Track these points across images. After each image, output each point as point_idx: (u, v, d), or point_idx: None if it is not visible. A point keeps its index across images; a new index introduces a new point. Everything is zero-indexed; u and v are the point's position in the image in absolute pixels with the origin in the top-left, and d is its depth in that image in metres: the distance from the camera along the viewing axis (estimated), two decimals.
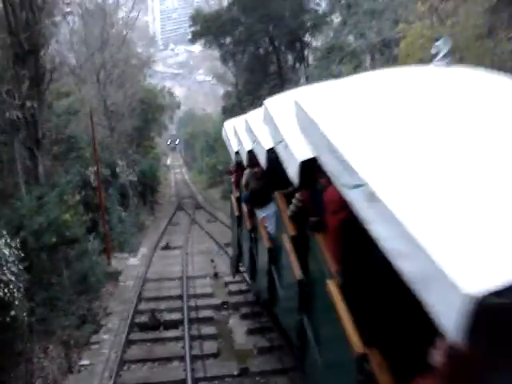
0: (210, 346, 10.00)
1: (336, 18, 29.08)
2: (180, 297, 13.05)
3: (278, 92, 23.30)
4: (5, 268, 9.64)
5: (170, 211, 32.37)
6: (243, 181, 9.43)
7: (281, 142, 5.72)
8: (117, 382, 8.62)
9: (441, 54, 5.14)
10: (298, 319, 5.65)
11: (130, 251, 19.98)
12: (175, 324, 11.29)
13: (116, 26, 29.67)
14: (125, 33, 30.39)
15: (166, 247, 20.88)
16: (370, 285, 3.64)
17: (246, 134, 8.57)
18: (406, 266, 2.57)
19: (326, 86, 4.93)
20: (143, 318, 11.71)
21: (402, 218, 2.62)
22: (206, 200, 38.38)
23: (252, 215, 8.97)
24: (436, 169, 2.91)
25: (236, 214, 11.08)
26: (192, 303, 12.51)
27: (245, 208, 9.64)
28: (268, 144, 6.59)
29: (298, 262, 5.63)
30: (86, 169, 20.64)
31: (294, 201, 5.90)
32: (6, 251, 9.77)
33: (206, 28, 31.96)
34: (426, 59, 14.83)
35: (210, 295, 13.41)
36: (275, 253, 6.93)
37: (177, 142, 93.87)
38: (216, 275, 15.30)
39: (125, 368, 9.35)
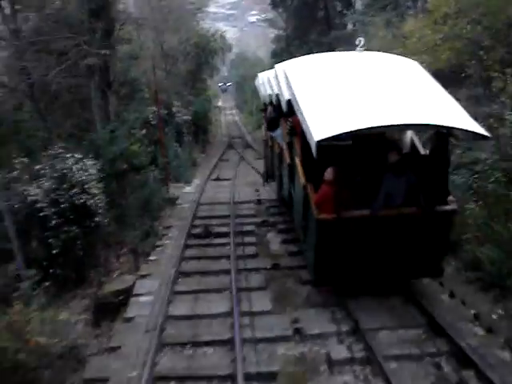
0: (250, 250, 12.76)
1: None
2: (228, 216, 15.78)
3: (325, 37, 25.28)
4: (93, 183, 12.55)
5: (221, 149, 35.05)
6: (267, 113, 15.76)
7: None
8: (178, 270, 11.50)
9: (359, 46, 8.57)
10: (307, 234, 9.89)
11: (184, 182, 22.79)
12: (223, 234, 14.07)
13: None
14: None
15: (217, 179, 23.66)
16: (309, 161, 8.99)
17: (270, 84, 13.65)
18: (305, 131, 8.05)
19: (301, 60, 10.88)
20: (198, 230, 14.58)
21: (305, 111, 8.51)
22: (254, 140, 40.61)
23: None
24: (339, 87, 9.03)
25: (264, 139, 17.73)
26: (238, 221, 15.25)
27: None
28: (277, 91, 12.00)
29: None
30: (146, 108, 23.33)
31: (288, 122, 11.42)
32: (94, 171, 12.66)
33: None
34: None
35: (253, 215, 16.05)
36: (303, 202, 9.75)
37: (228, 84, 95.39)
38: (259, 201, 17.90)
39: (184, 262, 12.23)
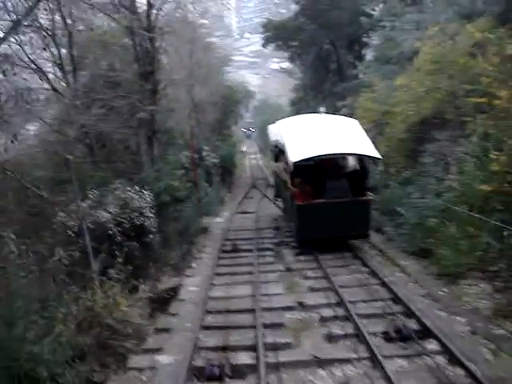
0: (268, 259, 16.82)
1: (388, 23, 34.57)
2: (251, 238, 19.84)
3: (337, 87, 30.05)
4: (148, 209, 16.69)
5: (245, 189, 39.23)
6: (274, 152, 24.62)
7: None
8: (214, 272, 15.50)
9: (321, 110, 13.38)
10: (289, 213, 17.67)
11: (214, 215, 26.91)
12: (248, 250, 18.11)
13: (200, 34, 36.49)
14: (208, 40, 37.33)
15: (242, 212, 27.83)
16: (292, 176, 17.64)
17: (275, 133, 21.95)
18: (288, 156, 15.38)
19: (289, 119, 21.43)
20: (227, 248, 18.65)
21: (287, 148, 17.01)
22: None
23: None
24: (296, 134, 17.27)
25: (274, 169, 26.22)
26: (259, 241, 19.29)
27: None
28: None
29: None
30: (180, 153, 27.64)
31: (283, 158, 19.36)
32: (149, 199, 16.85)
33: (276, 34, 38.86)
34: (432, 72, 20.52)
35: (272, 237, 20.12)
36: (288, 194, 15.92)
37: (252, 130, 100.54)
38: (277, 228, 21.92)
39: (218, 268, 16.23)
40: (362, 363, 9.33)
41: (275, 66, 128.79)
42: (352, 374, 9.03)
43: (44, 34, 18.77)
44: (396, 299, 12.16)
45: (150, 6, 20.74)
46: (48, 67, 21.13)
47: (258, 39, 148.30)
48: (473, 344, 9.72)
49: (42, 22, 18.54)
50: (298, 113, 41.89)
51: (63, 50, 20.46)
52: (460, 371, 8.71)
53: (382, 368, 8.81)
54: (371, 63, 35.29)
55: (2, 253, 10.06)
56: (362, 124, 24.47)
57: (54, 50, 20.13)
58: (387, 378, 8.49)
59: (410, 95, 21.12)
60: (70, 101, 19.91)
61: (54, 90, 19.51)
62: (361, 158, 17.81)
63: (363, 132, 18.37)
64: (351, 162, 18.38)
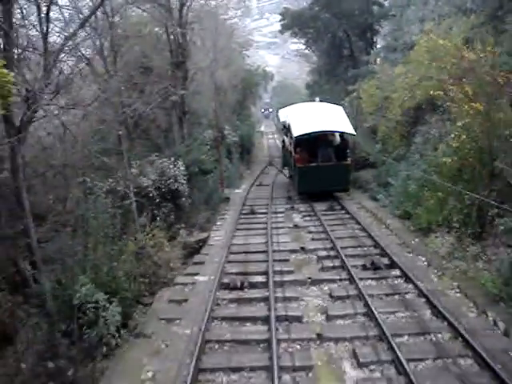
0: (280, 219, 20.73)
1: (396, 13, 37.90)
2: (266, 205, 23.76)
3: (350, 71, 33.85)
4: (181, 176, 20.65)
5: (262, 166, 42.92)
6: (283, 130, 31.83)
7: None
8: (235, 227, 19.48)
9: (317, 100, 16.90)
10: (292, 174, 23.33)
11: (234, 188, 30.83)
12: (263, 213, 22.06)
13: (223, 22, 40.08)
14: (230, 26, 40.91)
15: (259, 184, 31.78)
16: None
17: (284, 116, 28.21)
18: (292, 133, 21.40)
19: (294, 106, 28.80)
20: (246, 211, 22.64)
21: (292, 126, 24.24)
22: None
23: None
24: (298, 116, 23.22)
25: (282, 144, 33.99)
26: (273, 208, 23.23)
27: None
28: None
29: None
30: (204, 131, 31.51)
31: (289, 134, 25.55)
32: (183, 168, 20.81)
33: (292, 22, 42.42)
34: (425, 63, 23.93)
35: (284, 204, 24.07)
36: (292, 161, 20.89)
37: (270, 111, 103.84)
38: (290, 198, 25.83)
39: (238, 224, 20.21)
40: (343, 282, 13.27)
41: (294, 47, 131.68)
42: (335, 287, 12.97)
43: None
44: (376, 245, 16.04)
45: (182, 4, 24.54)
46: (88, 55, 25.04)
47: (277, 19, 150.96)
48: (425, 272, 13.65)
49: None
50: (312, 95, 45.61)
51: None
52: (411, 286, 12.62)
53: (356, 284, 12.70)
54: (381, 50, 38.86)
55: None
56: (365, 107, 28.39)
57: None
58: (359, 289, 12.37)
59: (407, 83, 24.70)
60: (111, 85, 23.88)
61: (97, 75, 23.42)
62: (342, 134, 25.68)
63: (345, 115, 26.41)
64: (337, 138, 25.92)
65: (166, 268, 15.38)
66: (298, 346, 9.92)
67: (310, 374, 8.97)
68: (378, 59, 37.22)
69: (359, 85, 30.68)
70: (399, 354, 9.02)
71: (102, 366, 9.55)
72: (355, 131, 26.37)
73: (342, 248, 15.72)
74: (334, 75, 42.49)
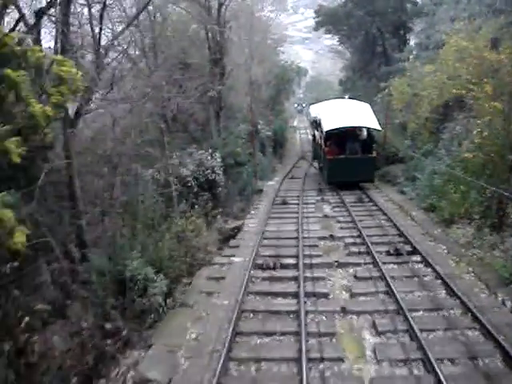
0: (310, 210, 22.01)
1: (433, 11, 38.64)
2: (298, 196, 25.04)
3: (382, 68, 35.12)
4: (218, 167, 22.07)
5: (294, 160, 44.18)
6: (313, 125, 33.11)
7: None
8: (268, 216, 20.84)
9: (346, 97, 18.08)
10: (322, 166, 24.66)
11: (267, 180, 32.19)
12: (294, 204, 23.36)
13: (260, 20, 41.38)
14: (265, 23, 42.23)
15: (291, 177, 33.11)
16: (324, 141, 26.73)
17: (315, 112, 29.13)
18: (322, 127, 22.83)
19: (324, 102, 30.80)
20: (278, 202, 23.99)
21: (322, 121, 26.00)
22: None
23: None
24: (328, 112, 24.15)
25: (312, 138, 36.09)
26: (304, 199, 24.48)
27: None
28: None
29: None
30: (239, 125, 32.91)
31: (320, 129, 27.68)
32: (219, 160, 22.23)
33: (327, 19, 43.56)
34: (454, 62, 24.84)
35: (315, 196, 25.33)
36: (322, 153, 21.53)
37: (303, 106, 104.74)
38: (320, 190, 27.06)
39: (271, 214, 21.56)
40: (367, 266, 14.50)
41: (328, 43, 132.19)
42: (359, 270, 14.21)
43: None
44: (401, 234, 17.19)
45: (220, 4, 25.95)
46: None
47: (312, 14, 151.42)
48: (444, 258, 14.78)
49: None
50: (345, 91, 46.66)
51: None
52: (429, 270, 13.79)
53: (379, 267, 13.92)
54: (413, 48, 39.70)
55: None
56: (395, 104, 29.40)
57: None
58: (381, 271, 13.59)
59: (436, 81, 25.66)
60: (153, 80, 25.41)
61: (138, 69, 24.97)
62: (368, 129, 27.72)
63: (372, 112, 28.28)
64: (364, 133, 28.02)
65: (204, 251, 16.81)
66: (324, 317, 11.22)
67: (334, 340, 10.25)
68: (410, 57, 38.05)
69: (390, 82, 31.65)
70: (413, 325, 10.25)
71: (152, 328, 11.00)
72: (386, 127, 27.39)
73: (368, 236, 16.89)
74: (367, 72, 43.51)
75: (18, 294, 8.79)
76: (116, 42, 17.38)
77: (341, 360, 9.43)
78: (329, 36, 61.42)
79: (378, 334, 10.41)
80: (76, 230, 13.87)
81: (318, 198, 24.91)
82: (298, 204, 23.12)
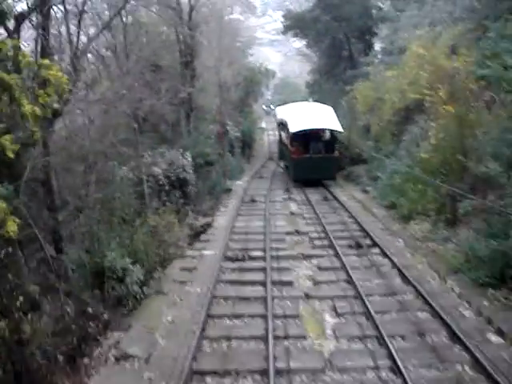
0: (278, 207, 23.15)
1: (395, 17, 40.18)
2: (266, 195, 26.16)
3: (348, 72, 36.58)
4: (189, 166, 23.01)
5: (262, 160, 45.42)
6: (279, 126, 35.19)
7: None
8: (237, 213, 21.88)
9: (311, 100, 19.21)
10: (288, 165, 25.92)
11: (236, 179, 33.23)
12: (263, 202, 24.45)
13: (229, 23, 42.44)
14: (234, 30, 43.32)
15: (259, 177, 34.31)
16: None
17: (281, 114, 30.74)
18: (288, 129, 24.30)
19: (289, 105, 33.62)
20: (247, 200, 25.06)
21: (288, 123, 27.51)
22: None
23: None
24: (293, 114, 26.10)
25: (278, 138, 37.61)
26: (271, 198, 25.62)
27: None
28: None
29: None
30: (208, 126, 33.90)
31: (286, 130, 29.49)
32: (190, 159, 23.18)
33: (294, 23, 44.89)
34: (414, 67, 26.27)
35: (282, 195, 26.49)
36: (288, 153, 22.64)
37: (272, 108, 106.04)
38: (288, 190, 28.21)
39: (240, 211, 22.60)
40: (330, 258, 15.65)
41: (297, 45, 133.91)
42: (322, 261, 15.35)
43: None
44: (362, 230, 18.43)
45: (191, 8, 26.92)
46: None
47: (280, 16, 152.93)
48: (401, 250, 16.06)
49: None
50: (312, 94, 48.03)
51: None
52: (386, 260, 15.01)
53: (341, 259, 15.07)
54: (378, 53, 41.24)
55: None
56: (360, 107, 30.75)
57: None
58: (342, 262, 14.75)
59: (397, 86, 27.06)
60: (125, 82, 26.22)
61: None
62: (331, 131, 30.42)
63: (334, 115, 30.69)
64: (327, 134, 31.25)
65: (176, 245, 17.75)
66: (289, 302, 12.29)
67: (297, 321, 11.32)
68: (376, 61, 39.54)
69: (355, 85, 33.05)
70: (369, 307, 11.40)
71: (130, 313, 11.93)
72: (350, 129, 28.74)
73: (331, 231, 18.10)
74: (333, 75, 44.93)
75: (11, 277, 9.60)
76: (91, 45, 18.23)
77: (303, 337, 10.51)
78: (297, 38, 62.84)
79: (338, 315, 11.52)
80: (53, 225, 14.65)
81: (285, 196, 26.08)
82: (265, 202, 24.23)
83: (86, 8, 16.90)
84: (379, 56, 40.67)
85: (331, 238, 17.24)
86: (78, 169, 18.89)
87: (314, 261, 15.52)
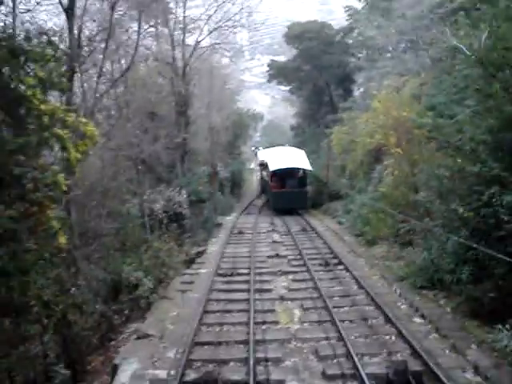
0: (262, 238, 27.09)
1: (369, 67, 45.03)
2: (253, 228, 30.15)
3: (331, 116, 41.41)
4: (184, 202, 27.00)
5: (251, 199, 49.73)
6: (260, 166, 41.93)
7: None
8: (227, 242, 25.82)
9: (286, 145, 23.78)
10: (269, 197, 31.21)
11: (226, 216, 37.24)
12: (249, 233, 28.41)
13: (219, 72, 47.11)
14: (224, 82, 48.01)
15: (247, 213, 38.49)
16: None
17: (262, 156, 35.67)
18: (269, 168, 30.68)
19: (269, 149, 42.11)
20: (235, 232, 29.03)
21: (269, 163, 34.32)
22: None
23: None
24: (273, 156, 31.91)
25: (260, 177, 45.47)
26: (258, 230, 29.60)
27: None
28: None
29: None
30: (200, 168, 38.08)
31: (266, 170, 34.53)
32: (185, 196, 27.19)
33: (278, 72, 49.93)
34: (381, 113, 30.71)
35: (267, 227, 30.46)
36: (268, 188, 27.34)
37: (260, 149, 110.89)
38: (272, 223, 32.21)
39: (230, 240, 26.55)
40: (303, 273, 19.54)
41: (284, 88, 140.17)
42: (296, 276, 19.26)
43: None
44: (332, 253, 22.41)
45: (185, 64, 31.42)
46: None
47: (268, 60, 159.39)
48: (361, 267, 20.06)
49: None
50: (296, 136, 52.69)
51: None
52: (348, 274, 18.96)
53: (311, 274, 18.97)
54: (358, 98, 45.98)
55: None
56: (336, 149, 35.11)
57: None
58: (312, 275, 18.64)
59: (368, 130, 31.42)
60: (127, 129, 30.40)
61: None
62: (303, 170, 38.10)
63: (305, 156, 38.86)
64: (300, 172, 38.66)
65: (175, 268, 21.63)
66: (267, 302, 16.14)
67: (273, 314, 15.18)
68: (354, 106, 44.13)
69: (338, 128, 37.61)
70: (329, 304, 15.25)
71: (144, 312, 15.78)
72: (328, 169, 32.97)
73: (306, 254, 22.06)
74: (315, 119, 49.71)
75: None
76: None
77: (276, 323, 14.38)
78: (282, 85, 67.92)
79: (304, 310, 15.39)
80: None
81: (270, 228, 30.06)
82: (252, 233, 28.20)
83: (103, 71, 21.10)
84: (358, 101, 45.36)
85: (305, 259, 21.15)
86: (91, 204, 22.90)
87: (290, 276, 19.44)
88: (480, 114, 15.00)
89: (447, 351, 12.15)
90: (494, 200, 13.02)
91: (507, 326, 11.72)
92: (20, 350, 10.82)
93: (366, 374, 10.60)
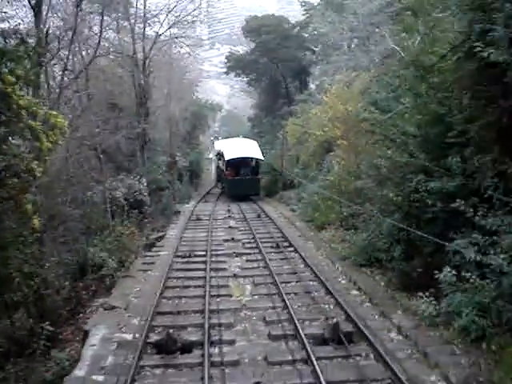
0: (218, 224, 28.90)
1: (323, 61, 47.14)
2: (210, 215, 31.91)
3: (287, 107, 43.81)
4: (144, 190, 28.55)
5: (209, 188, 51.47)
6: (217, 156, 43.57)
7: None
8: (185, 227, 27.52)
9: (241, 136, 25.68)
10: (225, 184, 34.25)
11: (184, 203, 38.89)
12: (206, 219, 30.17)
13: (178, 64, 48.41)
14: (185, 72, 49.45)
15: (205, 201, 40.26)
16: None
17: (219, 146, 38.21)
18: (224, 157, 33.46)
19: (226, 139, 45.93)
20: (193, 218, 30.75)
21: (224, 152, 37.38)
22: None
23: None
24: (228, 146, 34.37)
25: (216, 165, 46.63)
26: (214, 216, 31.38)
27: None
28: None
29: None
30: (160, 157, 39.59)
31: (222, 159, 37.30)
32: (145, 184, 28.74)
33: (236, 64, 51.69)
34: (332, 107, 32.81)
35: (224, 214, 32.27)
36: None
37: (219, 139, 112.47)
38: (229, 211, 34.02)
39: (187, 225, 28.25)
40: (255, 255, 21.40)
41: (243, 79, 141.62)
42: (249, 257, 21.12)
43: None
44: (283, 237, 24.35)
45: (145, 57, 32.86)
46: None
47: (227, 50, 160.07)
48: (309, 249, 22.05)
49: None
50: (254, 127, 54.57)
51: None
52: (297, 255, 20.93)
53: (263, 255, 20.85)
54: (314, 90, 48.08)
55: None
56: (290, 140, 37.10)
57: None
58: (264, 256, 20.52)
59: (319, 122, 33.50)
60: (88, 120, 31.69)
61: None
62: (256, 159, 42.00)
63: (258, 147, 42.84)
64: (253, 161, 42.27)
65: (137, 251, 23.26)
66: (222, 279, 17.97)
67: (227, 289, 17.01)
68: (309, 98, 46.25)
69: (293, 120, 39.64)
70: (277, 280, 17.14)
71: (110, 288, 17.43)
72: (283, 158, 34.88)
73: (259, 238, 23.91)
74: (272, 111, 51.68)
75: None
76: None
77: (230, 296, 16.23)
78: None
79: (255, 285, 17.27)
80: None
81: (226, 215, 31.86)
82: (209, 220, 29.96)
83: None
84: (314, 94, 47.44)
85: (258, 242, 23.02)
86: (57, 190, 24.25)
87: (244, 257, 21.28)
88: (411, 110, 17.07)
89: (376, 316, 14.18)
90: (420, 186, 15.04)
91: (427, 294, 13.80)
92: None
93: (305, 335, 12.53)
